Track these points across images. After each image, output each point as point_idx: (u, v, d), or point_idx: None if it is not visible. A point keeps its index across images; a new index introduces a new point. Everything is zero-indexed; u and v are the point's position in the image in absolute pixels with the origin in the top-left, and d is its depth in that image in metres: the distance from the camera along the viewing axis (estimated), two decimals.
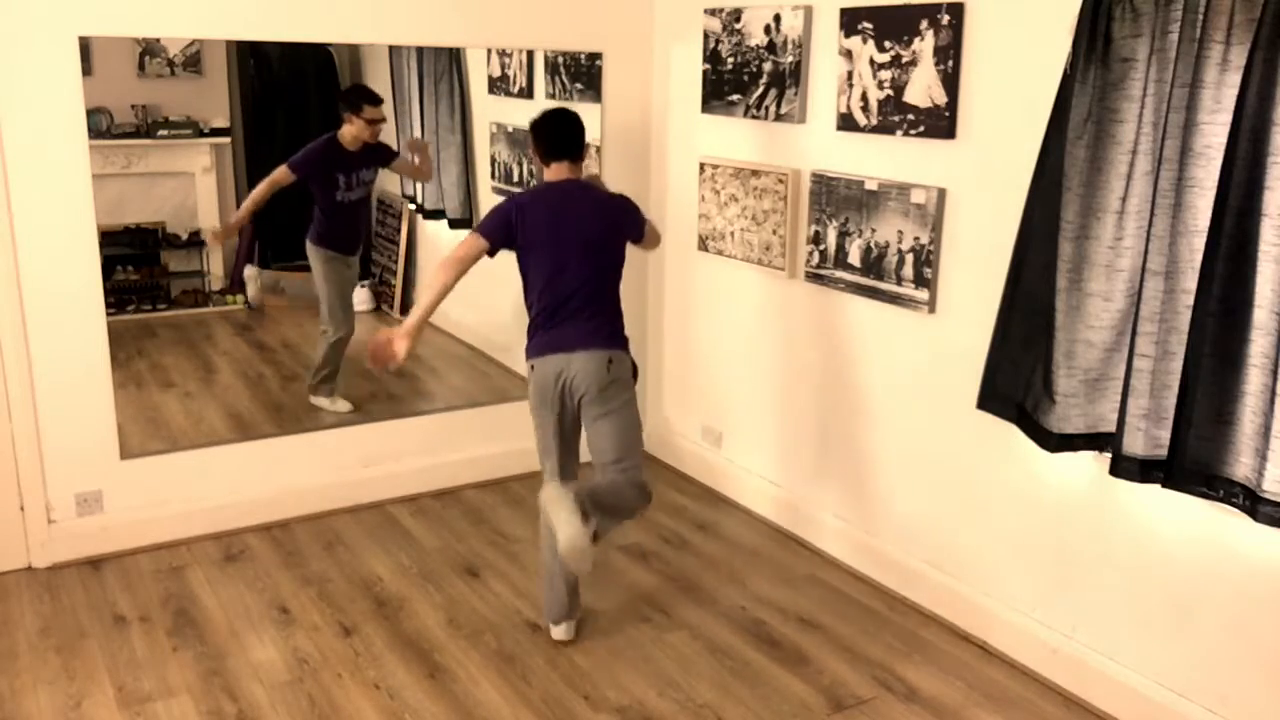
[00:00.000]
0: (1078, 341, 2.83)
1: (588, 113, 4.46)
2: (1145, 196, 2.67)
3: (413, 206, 5.91)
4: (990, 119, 3.16)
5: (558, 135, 3.27)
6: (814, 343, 3.93)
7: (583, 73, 4.57)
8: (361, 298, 6.05)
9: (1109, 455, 2.82)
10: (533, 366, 3.23)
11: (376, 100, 4.82)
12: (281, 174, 4.74)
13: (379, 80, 5.90)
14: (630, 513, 3.25)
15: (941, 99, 3.26)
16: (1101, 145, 2.71)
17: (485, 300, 5.46)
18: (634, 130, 4.57)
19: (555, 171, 3.27)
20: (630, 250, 3.36)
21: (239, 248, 5.85)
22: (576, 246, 3.18)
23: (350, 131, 4.75)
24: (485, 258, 3.20)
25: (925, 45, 3.28)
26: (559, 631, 3.35)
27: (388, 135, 5.90)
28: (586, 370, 3.15)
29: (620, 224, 3.32)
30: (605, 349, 3.19)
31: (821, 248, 3.78)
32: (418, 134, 5.67)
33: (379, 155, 4.93)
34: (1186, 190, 2.54)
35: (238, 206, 5.75)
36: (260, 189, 4.76)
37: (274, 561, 3.85)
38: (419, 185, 5.81)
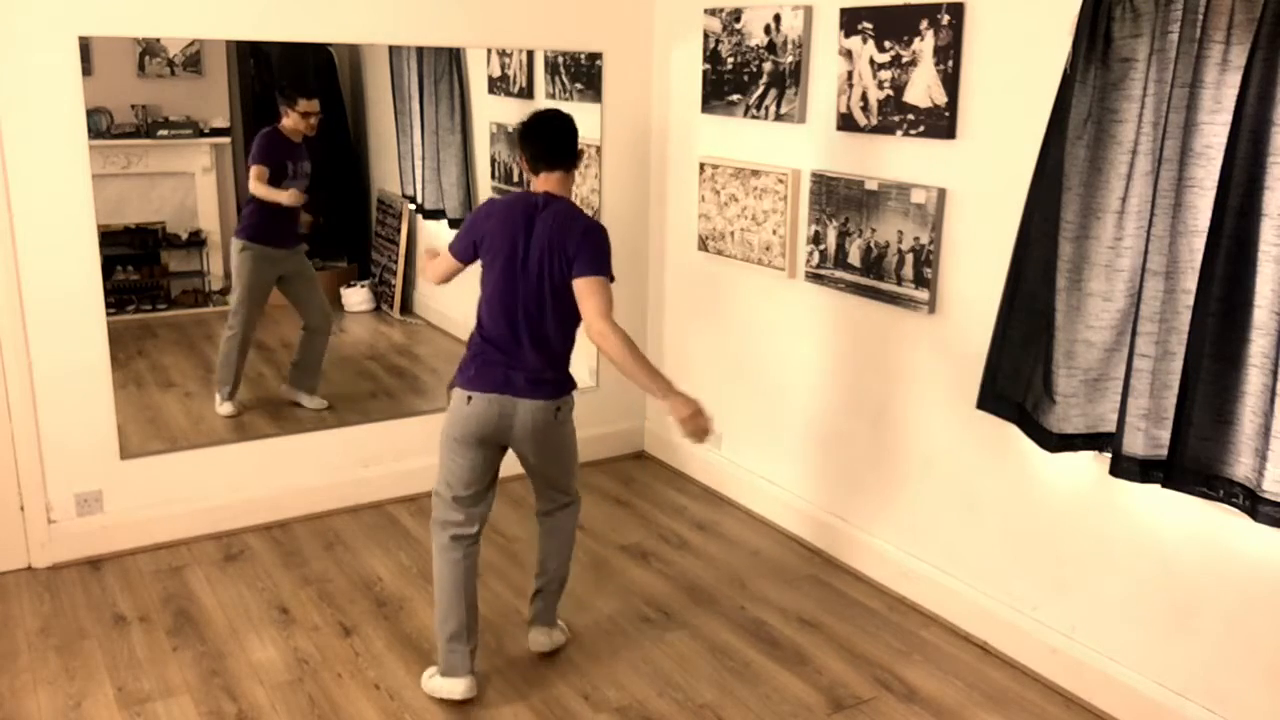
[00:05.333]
0: (1078, 341, 2.83)
1: (588, 113, 4.48)
2: (1145, 196, 2.67)
3: (412, 207, 5.91)
4: (990, 119, 3.16)
5: (545, 142, 2.95)
6: (814, 343, 3.93)
7: (583, 73, 4.57)
8: (361, 298, 6.06)
9: (1109, 455, 2.82)
10: (469, 399, 2.90)
11: (311, 94, 4.82)
12: (260, 171, 4.75)
13: (379, 80, 5.90)
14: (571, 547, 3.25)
15: (941, 99, 3.26)
16: (1101, 145, 2.71)
17: None
18: (634, 130, 4.57)
19: (543, 183, 2.95)
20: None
21: None
22: (535, 273, 2.87)
23: (288, 124, 4.78)
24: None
25: (925, 45, 3.28)
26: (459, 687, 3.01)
27: (389, 135, 5.91)
28: (535, 422, 2.91)
29: (574, 251, 2.84)
30: (554, 399, 2.93)
31: (821, 248, 3.78)
32: (418, 136, 5.68)
33: (310, 153, 4.93)
34: (1186, 190, 2.54)
35: (237, 206, 5.75)
36: (264, 191, 4.77)
37: (274, 561, 3.85)
38: (419, 185, 5.81)
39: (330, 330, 4.96)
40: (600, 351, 2.91)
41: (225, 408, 4.73)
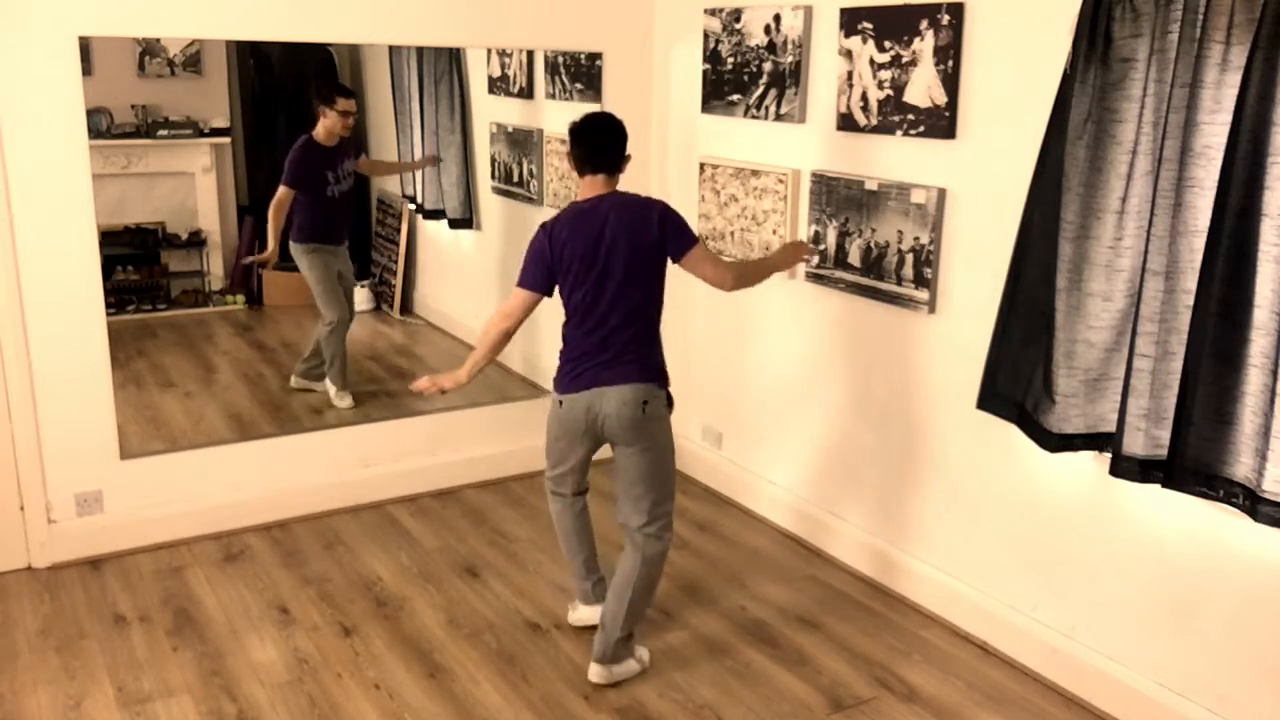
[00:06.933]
0: (1078, 341, 2.83)
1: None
2: (1145, 196, 2.67)
3: (413, 206, 5.91)
4: (990, 119, 3.16)
5: (594, 145, 3.03)
6: (814, 343, 3.93)
7: (583, 73, 4.57)
8: (361, 298, 6.06)
9: (1109, 455, 2.82)
10: (560, 402, 3.09)
11: (349, 93, 4.92)
12: (284, 195, 4.83)
13: (379, 80, 5.91)
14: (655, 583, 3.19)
15: (941, 99, 3.26)
16: (1101, 145, 2.71)
17: (486, 299, 5.46)
18: (634, 130, 4.54)
19: (589, 186, 3.04)
20: None
21: (239, 247, 5.86)
22: (612, 275, 2.98)
23: (325, 125, 4.81)
24: (545, 299, 3.08)
25: (925, 45, 3.28)
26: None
27: (388, 136, 5.92)
28: (621, 411, 3.01)
29: (660, 237, 3.01)
30: (642, 385, 3.03)
31: (821, 248, 3.78)
32: (418, 136, 5.69)
33: (352, 146, 5.00)
34: (1186, 190, 2.54)
35: (237, 206, 5.77)
36: (274, 216, 4.85)
37: (274, 561, 3.85)
38: (419, 186, 5.81)
39: (347, 325, 5.11)
40: (737, 287, 3.26)
41: (345, 400, 4.85)
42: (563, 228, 3.02)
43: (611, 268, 2.98)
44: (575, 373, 3.06)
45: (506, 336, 3.10)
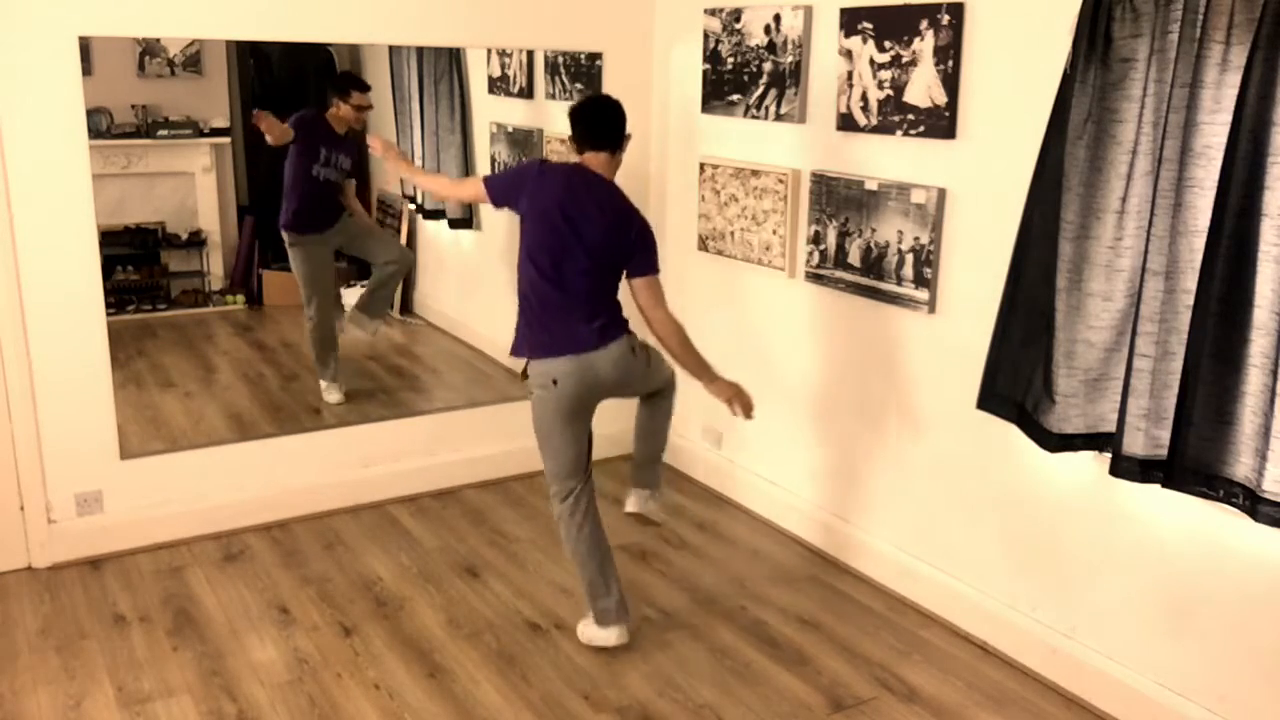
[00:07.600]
0: (1078, 341, 2.83)
1: None
2: (1145, 196, 2.67)
3: (412, 206, 5.91)
4: (990, 119, 3.16)
5: (594, 123, 3.11)
6: (813, 343, 3.93)
7: (583, 73, 4.57)
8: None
9: (1109, 455, 2.82)
10: (555, 381, 3.06)
11: (365, 87, 4.94)
12: (285, 131, 4.81)
13: (379, 80, 5.91)
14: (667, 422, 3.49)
15: (941, 99, 3.26)
16: (1101, 145, 2.71)
17: (486, 300, 5.46)
18: (633, 130, 4.56)
19: (587, 163, 3.13)
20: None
21: (239, 247, 5.86)
22: (584, 243, 3.03)
23: (337, 115, 4.83)
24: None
25: (925, 45, 3.28)
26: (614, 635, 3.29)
27: (389, 135, 5.91)
28: (620, 365, 3.12)
29: (631, 246, 3.09)
30: (623, 337, 3.13)
31: (821, 248, 3.79)
32: (418, 136, 5.69)
33: (356, 147, 4.99)
34: (1186, 190, 2.54)
35: (237, 206, 5.76)
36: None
37: (274, 561, 3.85)
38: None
39: (409, 265, 5.10)
40: (658, 338, 3.21)
41: (333, 394, 4.84)
42: (555, 176, 3.10)
43: (585, 239, 3.04)
44: (557, 335, 3.08)
45: (436, 195, 3.27)
